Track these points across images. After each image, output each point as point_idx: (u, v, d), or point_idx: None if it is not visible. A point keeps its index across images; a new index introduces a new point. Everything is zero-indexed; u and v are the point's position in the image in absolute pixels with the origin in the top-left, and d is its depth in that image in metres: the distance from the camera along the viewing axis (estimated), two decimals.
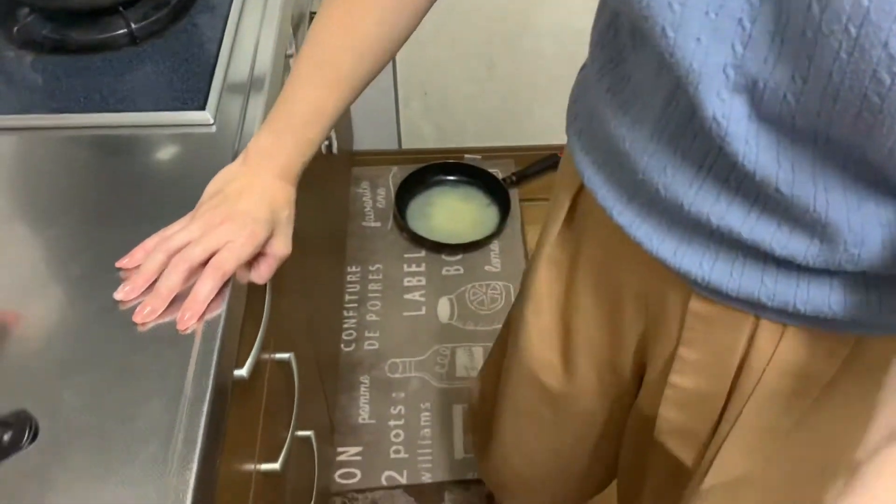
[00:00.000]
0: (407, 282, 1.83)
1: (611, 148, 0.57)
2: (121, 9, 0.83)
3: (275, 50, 0.86)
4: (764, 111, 0.44)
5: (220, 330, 0.59)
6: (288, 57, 0.95)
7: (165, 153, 0.75)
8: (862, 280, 0.50)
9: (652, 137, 0.52)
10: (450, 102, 1.94)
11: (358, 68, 0.65)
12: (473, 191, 2.00)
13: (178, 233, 0.61)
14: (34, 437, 0.42)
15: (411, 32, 0.66)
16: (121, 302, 0.60)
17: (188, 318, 0.57)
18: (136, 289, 0.59)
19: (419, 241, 1.89)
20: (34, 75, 0.81)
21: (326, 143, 1.32)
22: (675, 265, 0.56)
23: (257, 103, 0.79)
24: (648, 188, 0.54)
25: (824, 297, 0.51)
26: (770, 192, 0.47)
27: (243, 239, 0.59)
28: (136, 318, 0.58)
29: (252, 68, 0.83)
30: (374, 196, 2.02)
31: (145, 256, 0.62)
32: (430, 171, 2.00)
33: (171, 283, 0.58)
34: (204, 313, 0.59)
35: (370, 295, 1.81)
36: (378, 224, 1.95)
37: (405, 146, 2.03)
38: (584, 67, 0.67)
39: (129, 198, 0.70)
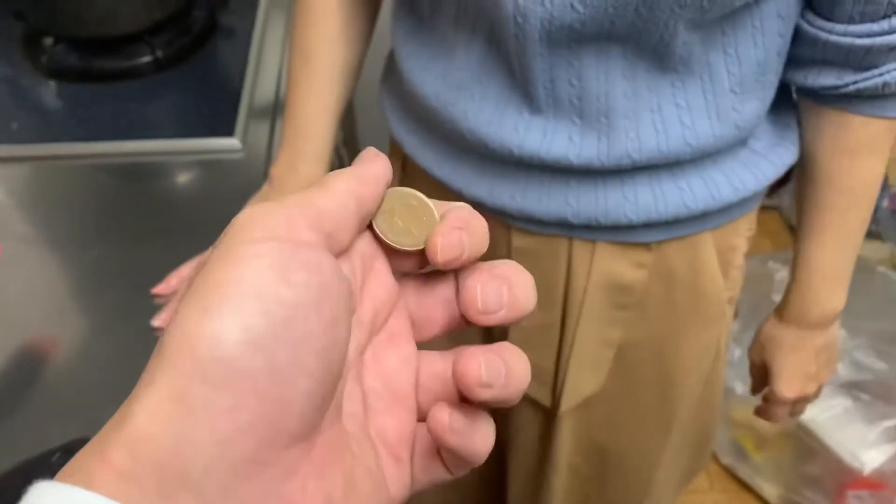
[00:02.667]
0: None
1: (419, 107, 0.61)
2: (146, 36, 0.84)
3: None
4: (554, 26, 0.48)
5: None
6: None
7: (195, 179, 0.76)
8: (646, 181, 0.56)
9: (453, 85, 0.56)
10: None
11: (332, 56, 0.65)
12: None
13: None
14: None
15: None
16: (158, 329, 0.61)
17: None
18: None
19: None
20: (62, 104, 0.82)
21: (338, 162, 1.33)
22: (491, 203, 0.59)
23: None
24: (457, 137, 0.58)
25: (619, 206, 0.56)
26: (562, 100, 0.53)
27: None
28: None
29: (277, 93, 0.84)
30: None
31: (181, 282, 0.63)
32: None
33: None
34: None
35: None
36: None
37: None
38: (389, 54, 0.69)
39: (161, 223, 0.71)
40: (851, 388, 1.23)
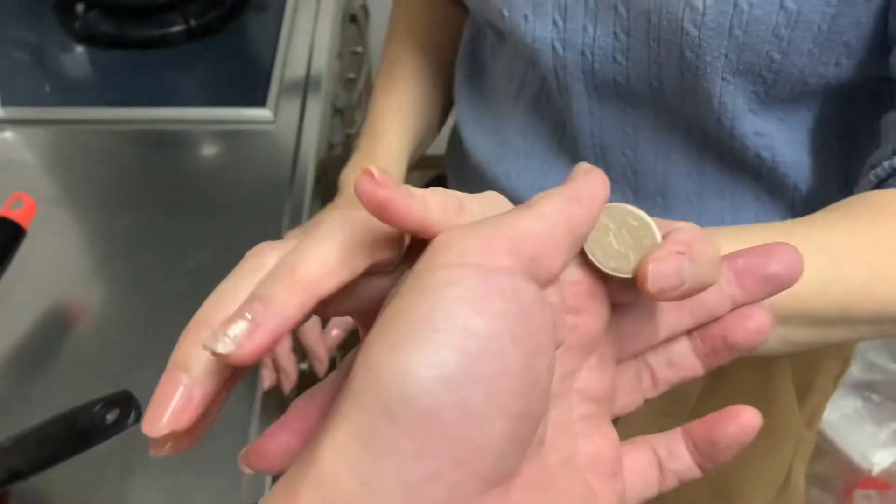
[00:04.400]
0: None
1: (470, 161, 0.58)
2: (179, 5, 0.84)
3: (329, 49, 0.87)
4: (598, 80, 0.45)
5: None
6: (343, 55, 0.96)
7: (226, 149, 0.76)
8: None
9: (500, 140, 0.54)
10: None
11: (414, 66, 0.64)
12: None
13: None
14: (138, 417, 0.43)
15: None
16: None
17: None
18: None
19: None
20: (93, 70, 0.82)
21: None
22: None
23: (315, 103, 0.80)
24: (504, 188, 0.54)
25: None
26: (615, 170, 0.49)
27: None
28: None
29: (308, 68, 0.84)
30: None
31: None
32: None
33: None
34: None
35: None
36: None
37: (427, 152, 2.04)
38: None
39: (190, 192, 0.71)
40: (863, 388, 1.23)
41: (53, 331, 0.61)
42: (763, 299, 0.23)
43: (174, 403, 0.19)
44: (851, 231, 0.35)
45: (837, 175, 0.48)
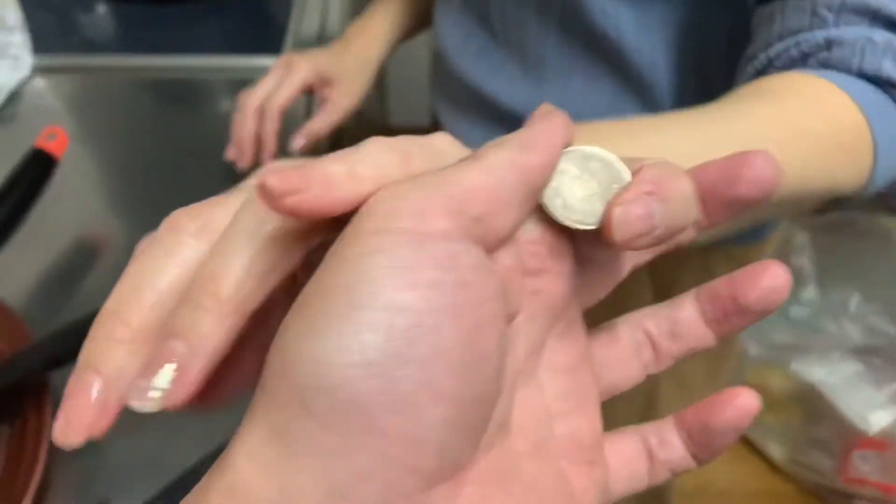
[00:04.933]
0: None
1: (452, 75, 0.63)
2: None
3: (341, 4, 0.90)
4: None
5: None
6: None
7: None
8: None
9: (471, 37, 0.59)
10: None
11: None
12: None
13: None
14: None
15: None
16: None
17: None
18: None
19: None
20: (118, 22, 0.87)
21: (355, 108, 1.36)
22: None
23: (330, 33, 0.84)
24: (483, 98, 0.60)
25: None
26: (513, 37, 0.55)
27: (282, 79, 0.65)
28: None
29: (322, 23, 0.87)
30: None
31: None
32: None
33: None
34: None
35: None
36: None
37: (406, 123, 2.08)
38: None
39: (206, 135, 0.75)
40: (864, 352, 1.25)
41: (80, 256, 0.65)
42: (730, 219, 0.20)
43: (86, 410, 0.17)
44: (765, 116, 0.33)
45: (694, 73, 0.51)
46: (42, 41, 0.82)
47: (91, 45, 0.83)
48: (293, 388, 0.15)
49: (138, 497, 0.45)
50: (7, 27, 0.77)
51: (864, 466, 1.22)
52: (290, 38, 0.83)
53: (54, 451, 0.46)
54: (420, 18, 0.73)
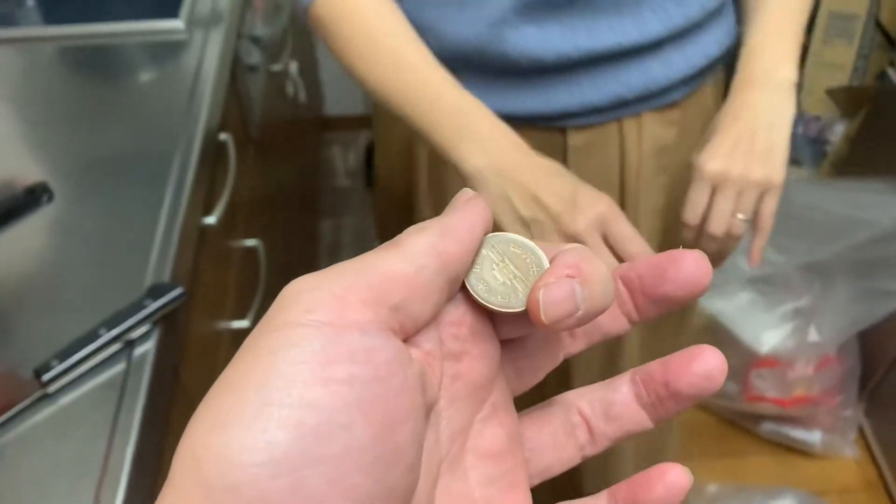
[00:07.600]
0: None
1: (466, 51, 0.63)
2: None
3: None
4: None
5: None
6: None
7: (142, 60, 0.88)
8: (671, 43, 0.63)
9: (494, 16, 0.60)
10: None
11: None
12: None
13: None
14: (50, 199, 0.56)
15: None
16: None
17: None
18: None
19: None
20: None
21: (293, 91, 1.45)
22: (549, 111, 0.64)
23: (222, 4, 0.92)
24: (513, 64, 0.61)
25: (656, 71, 0.64)
26: None
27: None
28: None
29: None
30: (345, 158, 2.15)
31: None
32: None
33: None
34: None
35: (343, 248, 1.94)
36: (349, 183, 2.09)
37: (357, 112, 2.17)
38: None
39: (114, 103, 0.83)
40: (756, 282, 1.36)
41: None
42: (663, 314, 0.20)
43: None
44: None
45: None
46: None
47: (6, 19, 0.91)
48: (200, 487, 0.15)
49: None
50: None
51: (761, 384, 1.33)
52: (187, 3, 0.92)
53: None
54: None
